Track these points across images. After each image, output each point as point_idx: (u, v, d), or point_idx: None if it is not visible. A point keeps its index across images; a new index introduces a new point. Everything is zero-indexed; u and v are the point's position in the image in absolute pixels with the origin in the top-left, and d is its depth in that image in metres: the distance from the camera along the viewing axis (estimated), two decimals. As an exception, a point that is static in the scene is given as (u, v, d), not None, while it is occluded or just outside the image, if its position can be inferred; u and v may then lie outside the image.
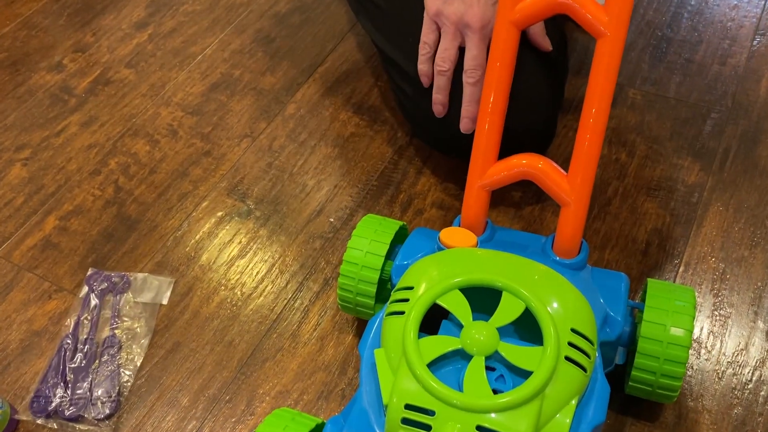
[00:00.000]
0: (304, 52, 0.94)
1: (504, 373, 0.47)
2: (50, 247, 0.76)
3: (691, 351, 0.62)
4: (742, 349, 0.62)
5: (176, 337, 0.68)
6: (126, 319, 0.69)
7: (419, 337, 0.47)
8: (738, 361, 0.61)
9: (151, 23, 1.01)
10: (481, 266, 0.51)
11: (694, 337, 0.63)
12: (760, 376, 0.60)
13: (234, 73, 0.92)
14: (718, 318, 0.64)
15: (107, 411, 0.62)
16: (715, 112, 0.80)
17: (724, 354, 0.62)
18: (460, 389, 0.46)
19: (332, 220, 0.75)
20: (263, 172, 0.81)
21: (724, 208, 0.72)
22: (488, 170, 0.56)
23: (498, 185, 0.57)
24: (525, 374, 0.46)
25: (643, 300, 0.57)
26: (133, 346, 0.67)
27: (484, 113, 0.56)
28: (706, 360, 0.61)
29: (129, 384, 0.64)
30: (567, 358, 0.46)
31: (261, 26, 0.99)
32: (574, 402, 0.46)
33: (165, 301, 0.70)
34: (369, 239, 0.61)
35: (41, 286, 0.73)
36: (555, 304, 0.48)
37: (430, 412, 0.44)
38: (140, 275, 0.72)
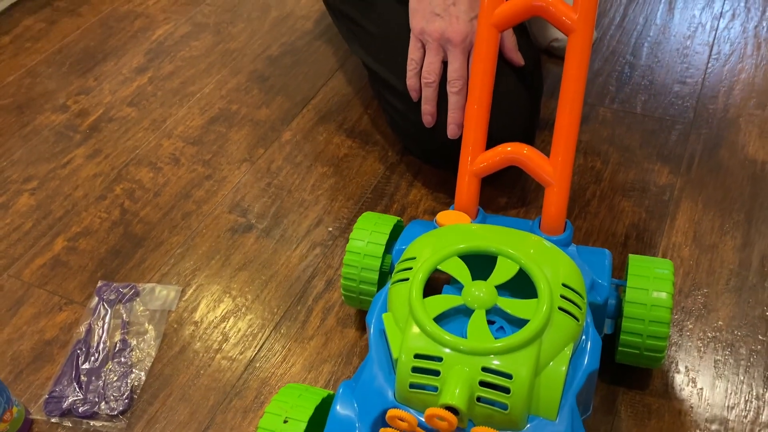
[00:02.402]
0: (296, 88, 1.01)
1: (504, 325, 0.51)
2: (59, 265, 0.79)
3: (673, 328, 0.66)
4: (720, 322, 0.66)
5: (185, 340, 0.70)
6: (136, 325, 0.71)
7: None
8: (718, 334, 0.65)
9: (150, 68, 1.07)
10: (477, 237, 0.56)
11: (676, 314, 0.67)
12: (733, 342, 0.64)
13: (231, 107, 0.98)
14: (697, 297, 0.69)
15: (121, 407, 0.64)
16: (679, 124, 0.88)
17: (704, 328, 0.66)
18: (465, 341, 0.49)
19: (331, 229, 0.80)
20: (263, 191, 0.85)
21: (693, 203, 0.78)
22: (477, 158, 0.62)
23: (487, 172, 0.62)
24: (523, 325, 0.50)
25: (626, 277, 0.62)
26: (145, 349, 0.69)
27: (471, 108, 0.62)
28: (689, 335, 0.66)
29: (141, 382, 0.66)
30: (560, 309, 0.50)
31: (255, 67, 1.05)
32: (568, 350, 0.49)
33: (173, 308, 0.73)
34: (369, 231, 0.65)
35: (51, 300, 0.75)
36: (546, 264, 0.53)
37: (437, 359, 0.48)
38: (148, 285, 0.75)
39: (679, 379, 0.62)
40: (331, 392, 0.55)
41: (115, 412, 0.63)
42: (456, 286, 0.55)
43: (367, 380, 0.52)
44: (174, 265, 0.77)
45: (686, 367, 0.63)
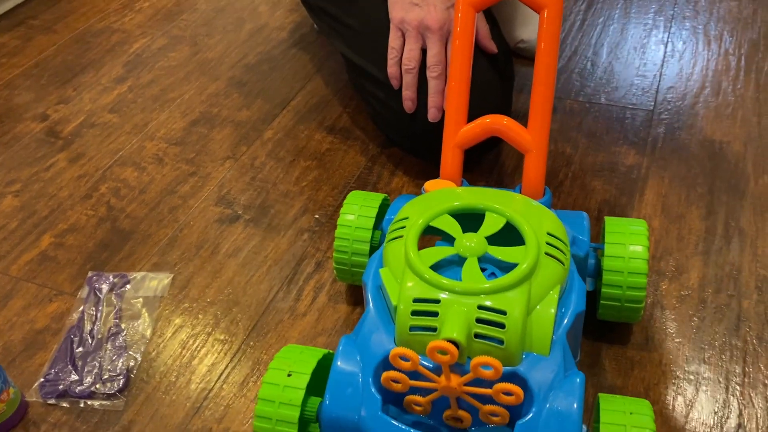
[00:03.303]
0: (275, 92, 1.04)
1: (495, 271, 0.53)
2: (47, 260, 0.79)
3: (650, 287, 0.69)
4: (691, 281, 0.70)
5: (179, 322, 0.71)
6: (129, 311, 0.72)
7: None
8: (691, 292, 0.69)
9: (129, 78, 1.09)
10: (465, 197, 0.59)
11: (651, 276, 0.71)
12: (705, 298, 0.68)
13: (212, 110, 1.01)
14: (669, 261, 0.73)
15: (118, 386, 0.64)
16: (641, 111, 0.93)
17: (677, 287, 0.70)
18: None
19: (317, 216, 0.82)
20: (248, 185, 0.87)
21: (659, 180, 0.82)
22: (460, 131, 0.65)
23: (470, 143, 0.65)
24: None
25: (604, 238, 0.65)
26: (139, 331, 0.70)
27: (452, 83, 0.65)
28: (664, 294, 0.69)
29: (137, 363, 0.67)
30: (546, 254, 0.53)
31: (233, 74, 1.08)
32: (556, 293, 0.52)
33: (165, 294, 0.74)
34: (359, 205, 0.68)
35: (41, 293, 0.75)
36: (531, 217, 0.56)
37: (435, 302, 0.50)
38: (139, 274, 0.76)
39: (658, 332, 0.66)
40: (331, 351, 0.56)
41: (113, 391, 0.64)
42: (448, 241, 0.58)
43: (367, 331, 0.54)
44: (163, 255, 0.79)
45: (664, 322, 0.67)
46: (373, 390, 0.50)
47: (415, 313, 0.51)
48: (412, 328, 0.51)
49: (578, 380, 0.50)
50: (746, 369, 0.62)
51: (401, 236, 0.56)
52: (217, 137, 0.96)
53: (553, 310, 0.52)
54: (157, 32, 1.21)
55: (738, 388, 0.61)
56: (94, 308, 0.72)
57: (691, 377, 0.62)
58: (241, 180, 0.88)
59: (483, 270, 0.54)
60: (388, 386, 0.50)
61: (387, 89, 0.80)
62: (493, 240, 0.55)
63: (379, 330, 0.54)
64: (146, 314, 0.71)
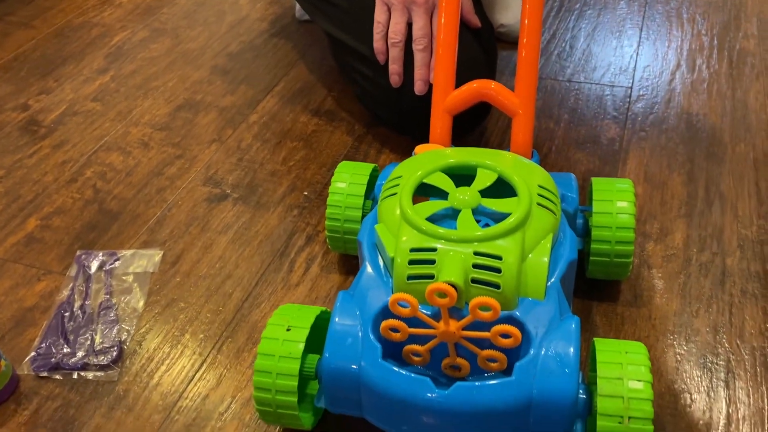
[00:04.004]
0: (259, 78, 1.04)
1: (489, 222, 0.54)
2: (34, 242, 0.78)
3: (636, 248, 0.71)
4: (676, 242, 0.72)
5: (171, 296, 0.71)
6: (120, 286, 0.71)
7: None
8: (676, 251, 0.71)
9: (111, 68, 1.09)
10: (457, 155, 0.60)
11: (637, 238, 0.72)
12: (690, 257, 0.70)
13: (196, 97, 1.01)
14: (653, 224, 0.74)
15: (111, 357, 0.64)
16: (619, 88, 0.95)
17: (663, 247, 0.71)
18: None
19: (306, 193, 0.82)
20: (235, 166, 0.88)
21: (641, 150, 0.84)
22: (448, 96, 0.67)
23: (458, 108, 0.66)
24: (507, 221, 0.54)
25: (591, 198, 0.66)
26: (131, 304, 0.69)
27: (440, 51, 0.67)
28: (650, 254, 0.71)
29: (130, 334, 0.66)
30: (538, 204, 0.54)
31: (216, 63, 1.09)
32: (549, 242, 0.53)
33: (156, 270, 0.74)
34: (350, 173, 0.69)
35: (29, 273, 0.75)
36: (522, 172, 0.57)
37: (432, 250, 0.51)
38: (128, 251, 0.75)
39: (647, 290, 0.67)
40: (328, 309, 0.57)
41: (106, 362, 0.63)
42: (442, 197, 0.59)
43: (365, 286, 0.54)
44: (152, 234, 0.78)
45: (651, 280, 0.68)
46: (372, 339, 0.51)
47: (412, 262, 0.51)
48: (410, 278, 0.51)
49: (574, 323, 0.51)
50: (732, 320, 0.64)
51: (395, 194, 0.57)
52: (202, 122, 0.96)
53: (546, 257, 0.53)
54: (137, 26, 1.21)
55: (725, 337, 0.62)
56: (84, 285, 0.71)
57: (681, 329, 0.63)
58: (228, 161, 0.88)
59: (477, 221, 0.55)
60: (387, 336, 0.51)
61: (373, 65, 0.81)
62: (485, 196, 0.56)
63: (376, 284, 0.54)
64: (137, 288, 0.71)
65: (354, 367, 0.51)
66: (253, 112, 0.97)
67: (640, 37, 1.07)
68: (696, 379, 0.59)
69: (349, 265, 0.73)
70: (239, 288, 0.71)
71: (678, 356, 0.61)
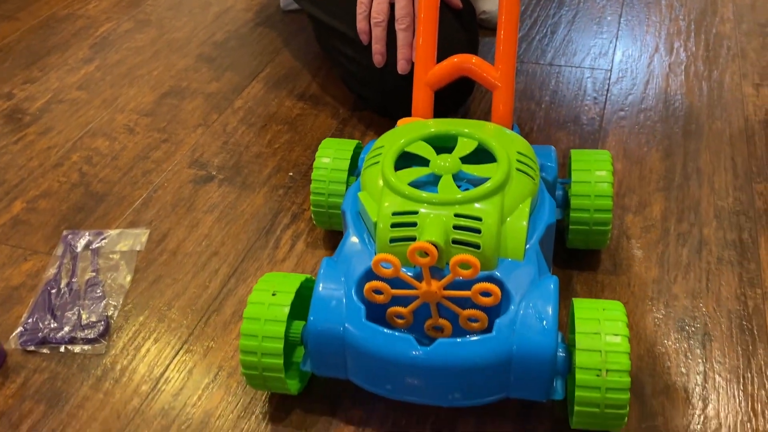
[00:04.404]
0: (244, 65, 1.05)
1: (469, 188, 0.55)
2: (20, 224, 0.79)
3: (615, 220, 0.72)
4: (654, 214, 0.73)
5: (158, 272, 0.71)
6: (106, 263, 0.72)
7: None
8: (655, 223, 0.72)
9: (96, 58, 1.09)
10: (438, 125, 0.61)
11: (616, 210, 0.73)
12: (668, 227, 0.71)
13: (181, 84, 1.02)
14: (632, 197, 0.76)
15: (98, 331, 0.64)
16: (599, 71, 0.97)
17: (642, 219, 0.73)
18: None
19: (291, 174, 0.83)
20: (220, 149, 0.88)
21: (619, 129, 0.86)
22: (430, 71, 0.68)
23: (440, 82, 0.68)
24: (487, 186, 0.55)
25: (570, 169, 0.68)
26: (117, 281, 0.70)
27: (420, 27, 0.68)
28: (629, 226, 0.72)
29: (117, 310, 0.67)
30: (517, 170, 0.55)
31: (201, 51, 1.09)
32: (527, 206, 0.54)
33: (142, 248, 0.74)
34: (334, 149, 0.70)
35: (15, 253, 0.75)
36: (501, 140, 0.58)
37: (413, 213, 0.52)
38: (115, 231, 0.76)
39: (626, 259, 0.68)
40: (312, 276, 0.58)
41: (93, 335, 0.64)
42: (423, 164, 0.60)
43: (348, 251, 0.55)
44: (139, 214, 0.79)
45: (630, 249, 0.69)
46: (356, 301, 0.52)
47: (394, 225, 0.52)
48: (392, 240, 0.52)
49: (552, 282, 0.52)
50: (709, 285, 0.65)
51: (378, 162, 0.58)
52: (187, 108, 0.97)
53: (525, 220, 0.54)
54: (122, 17, 1.21)
55: (702, 302, 0.64)
56: (70, 263, 0.72)
57: (659, 295, 0.65)
58: (214, 144, 0.89)
59: (458, 187, 0.56)
60: (371, 298, 0.52)
61: (357, 46, 0.82)
62: (466, 163, 0.58)
63: (359, 250, 0.55)
64: (124, 266, 0.71)
65: (339, 329, 0.52)
66: (238, 97, 0.98)
67: (619, 23, 1.08)
68: (674, 341, 0.60)
69: (335, 241, 0.73)
70: (225, 264, 0.72)
71: (656, 320, 0.62)
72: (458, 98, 0.85)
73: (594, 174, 0.64)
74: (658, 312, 0.63)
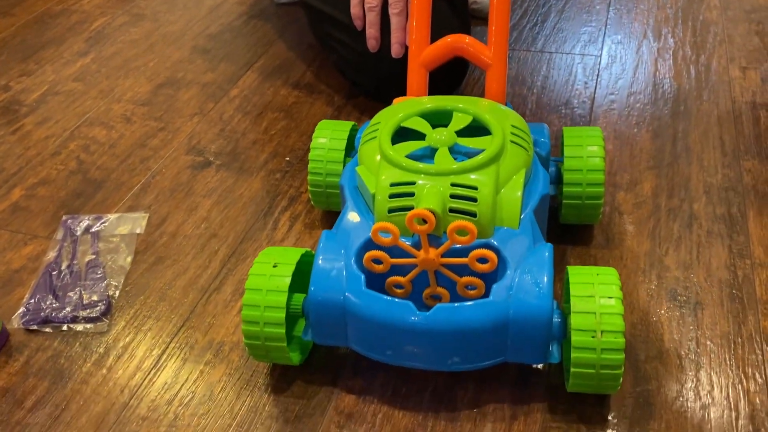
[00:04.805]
0: (239, 56, 1.06)
1: (465, 159, 0.57)
2: (19, 210, 0.79)
3: (607, 197, 0.73)
4: (645, 191, 0.74)
5: (158, 254, 0.72)
6: (106, 246, 0.73)
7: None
8: (646, 199, 0.74)
9: (92, 51, 1.10)
10: (433, 102, 0.62)
11: (607, 188, 0.75)
12: (659, 203, 0.73)
13: (177, 75, 1.03)
14: (624, 175, 0.77)
15: (101, 310, 0.65)
16: (589, 57, 0.99)
17: (633, 196, 0.74)
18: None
19: (288, 159, 0.84)
20: (217, 136, 0.89)
21: (610, 111, 0.88)
22: (423, 52, 0.69)
23: (434, 62, 0.69)
24: (482, 158, 0.56)
25: (563, 146, 0.69)
26: (118, 262, 0.70)
27: (413, 7, 0.69)
28: (621, 200, 0.74)
29: (118, 289, 0.68)
30: (512, 142, 0.57)
31: (196, 43, 1.10)
32: (522, 177, 0.56)
33: (142, 231, 0.75)
34: (330, 129, 0.71)
35: (15, 238, 0.76)
36: (495, 114, 0.60)
37: (411, 183, 0.53)
38: (114, 215, 0.77)
39: (618, 233, 0.70)
40: (312, 250, 0.59)
41: (96, 314, 0.65)
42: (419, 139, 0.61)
43: (347, 223, 0.56)
44: (137, 199, 0.80)
45: (622, 224, 0.71)
46: (356, 270, 0.53)
47: (392, 196, 0.54)
48: (391, 210, 0.53)
49: (547, 249, 0.53)
50: (700, 257, 0.67)
51: (375, 137, 0.59)
52: (183, 97, 0.98)
53: (520, 190, 0.55)
54: (117, 11, 1.22)
55: (693, 273, 0.65)
56: (71, 246, 0.73)
57: (651, 267, 0.66)
58: (210, 131, 0.90)
59: (454, 159, 0.57)
60: (370, 267, 0.53)
61: (351, 31, 0.83)
62: (461, 137, 0.59)
63: (358, 222, 0.56)
64: (124, 248, 0.72)
65: (339, 297, 0.53)
66: (234, 87, 0.99)
67: (608, 12, 1.10)
68: (666, 310, 0.62)
69: (333, 221, 0.74)
70: (225, 245, 0.73)
71: (649, 291, 0.64)
72: (452, 81, 0.86)
73: (586, 149, 0.65)
74: (651, 283, 0.64)
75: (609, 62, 0.98)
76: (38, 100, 0.99)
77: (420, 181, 0.53)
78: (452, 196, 0.52)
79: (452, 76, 0.85)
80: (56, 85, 1.02)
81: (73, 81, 1.03)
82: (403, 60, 0.78)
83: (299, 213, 0.76)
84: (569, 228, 0.70)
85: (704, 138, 0.82)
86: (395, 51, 0.79)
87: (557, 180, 0.68)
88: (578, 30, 1.06)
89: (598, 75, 0.95)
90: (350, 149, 0.72)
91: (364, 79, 0.87)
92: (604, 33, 1.04)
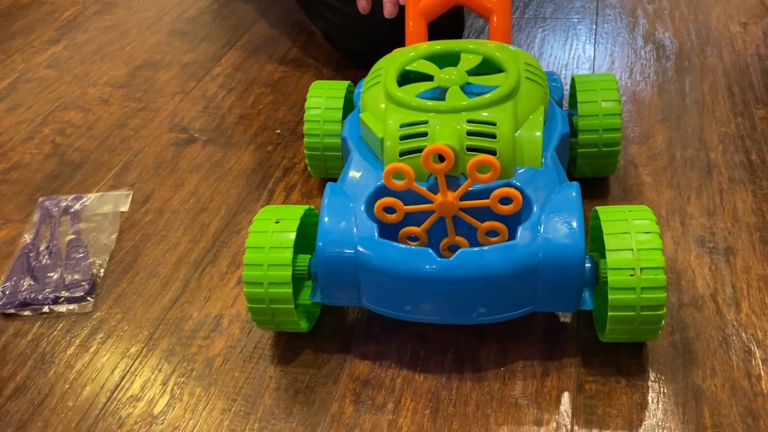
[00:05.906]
0: (219, 36, 1.02)
1: (478, 99, 0.53)
2: (-9, 195, 0.74)
3: (622, 155, 0.70)
4: (659, 143, 0.71)
5: (144, 231, 0.67)
6: (88, 225, 0.67)
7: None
8: (660, 151, 0.70)
9: (63, 39, 1.05)
10: (438, 45, 0.58)
11: (625, 142, 0.70)
12: (674, 154, 0.69)
13: (156, 57, 0.97)
14: (635, 129, 0.73)
15: (85, 289, 0.59)
16: (585, 20, 0.96)
17: (647, 149, 0.70)
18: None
19: (279, 131, 0.80)
20: (201, 113, 0.84)
21: (611, 69, 0.85)
22: (422, 1, 0.65)
23: (433, 12, 0.65)
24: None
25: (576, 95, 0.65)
26: (102, 241, 0.65)
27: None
28: (635, 154, 0.70)
29: (103, 267, 0.62)
30: (527, 78, 0.53)
31: (174, 27, 1.05)
32: (541, 114, 0.52)
33: (125, 209, 0.70)
34: (326, 88, 0.66)
35: (-13, 223, 0.70)
36: (507, 52, 0.56)
37: (423, 123, 0.49)
38: (95, 194, 0.71)
39: (636, 185, 0.66)
40: (314, 208, 0.54)
41: (80, 293, 0.59)
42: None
43: (354, 173, 0.52)
44: (119, 178, 0.74)
45: (639, 176, 0.67)
46: (367, 219, 0.48)
47: (403, 138, 0.49)
48: (402, 153, 0.49)
49: (574, 189, 0.49)
50: (724, 203, 0.63)
51: (379, 83, 0.55)
52: (163, 78, 0.92)
53: (540, 128, 0.51)
54: (88, 1, 1.17)
55: (719, 219, 0.61)
56: (48, 228, 0.67)
57: (675, 215, 0.62)
58: (194, 109, 0.85)
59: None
60: (382, 217, 0.48)
61: (340, -4, 0.79)
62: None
63: (366, 169, 0.52)
64: (108, 225, 0.67)
65: (350, 251, 0.48)
66: (216, 65, 0.94)
67: (598, -21, 1.08)
68: (696, 256, 0.58)
69: (331, 189, 0.70)
70: (217, 218, 0.68)
71: (675, 238, 0.60)
72: (451, 32, 0.81)
73: (600, 93, 0.61)
74: (676, 231, 0.61)
75: (606, 23, 0.95)
76: (8, 88, 0.93)
77: (433, 120, 0.49)
78: (469, 134, 0.48)
79: (450, 30, 0.80)
80: (26, 72, 0.96)
81: (44, 68, 0.97)
82: (398, 21, 0.74)
83: (295, 183, 0.71)
84: (584, 182, 0.65)
85: (713, 90, 0.79)
86: (388, 11, 0.75)
87: (571, 133, 0.64)
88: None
89: (595, 35, 0.92)
90: (347, 111, 0.68)
91: (356, 45, 0.82)
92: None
